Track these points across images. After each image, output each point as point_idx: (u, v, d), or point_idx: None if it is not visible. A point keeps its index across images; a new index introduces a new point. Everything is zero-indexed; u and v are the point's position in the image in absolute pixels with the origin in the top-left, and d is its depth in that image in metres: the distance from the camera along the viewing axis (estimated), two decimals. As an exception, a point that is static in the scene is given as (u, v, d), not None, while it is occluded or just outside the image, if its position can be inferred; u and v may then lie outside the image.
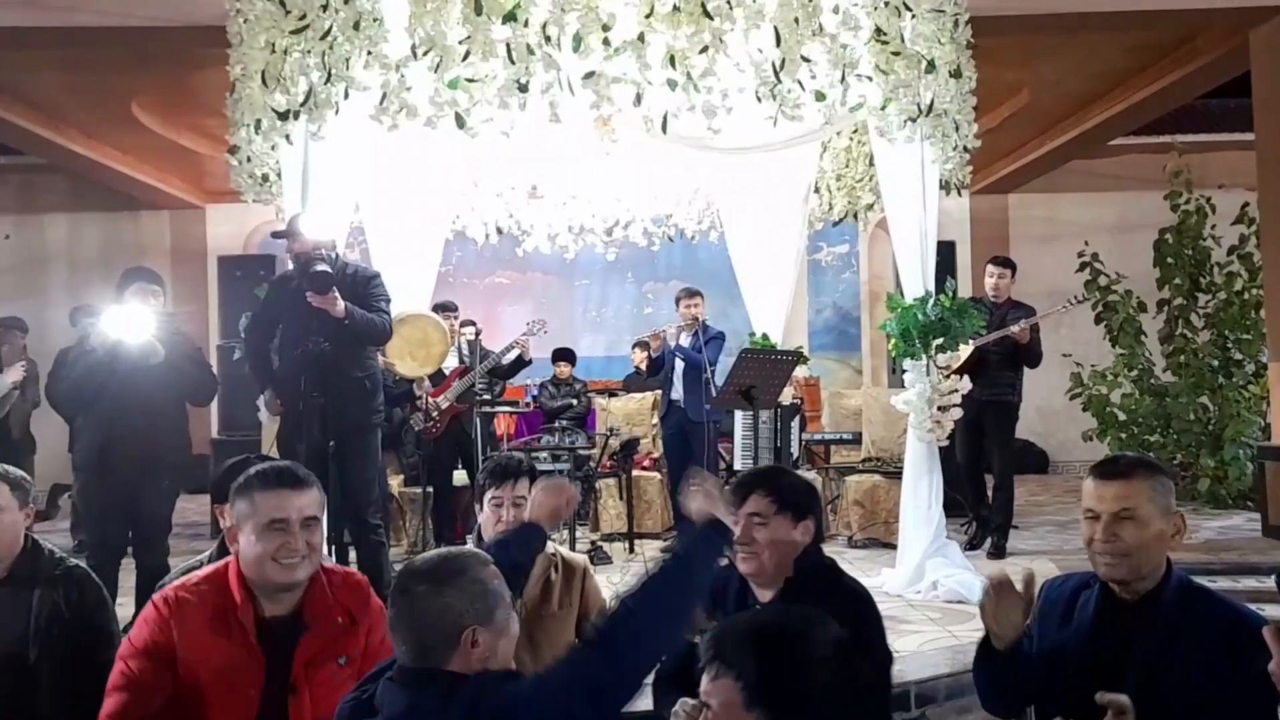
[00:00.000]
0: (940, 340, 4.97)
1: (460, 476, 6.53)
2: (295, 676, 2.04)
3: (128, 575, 4.20)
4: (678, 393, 6.42)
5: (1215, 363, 7.89)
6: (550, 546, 2.81)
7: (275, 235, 4.46)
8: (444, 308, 6.58)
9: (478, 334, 6.68)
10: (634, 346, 8.67)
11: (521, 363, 6.71)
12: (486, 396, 6.44)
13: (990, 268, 6.18)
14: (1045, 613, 2.15)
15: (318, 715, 2.02)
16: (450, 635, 1.68)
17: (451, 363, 6.43)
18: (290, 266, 4.51)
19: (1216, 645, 1.88)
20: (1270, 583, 5.09)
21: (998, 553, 5.80)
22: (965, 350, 5.93)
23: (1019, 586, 2.02)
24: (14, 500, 2.54)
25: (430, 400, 6.22)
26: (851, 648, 1.52)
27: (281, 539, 2.01)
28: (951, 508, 5.47)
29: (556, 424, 6.76)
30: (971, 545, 6.02)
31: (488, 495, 2.71)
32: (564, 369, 8.04)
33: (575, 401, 7.86)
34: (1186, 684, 1.88)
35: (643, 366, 8.34)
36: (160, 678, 2.00)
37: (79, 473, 4.34)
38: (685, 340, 6.37)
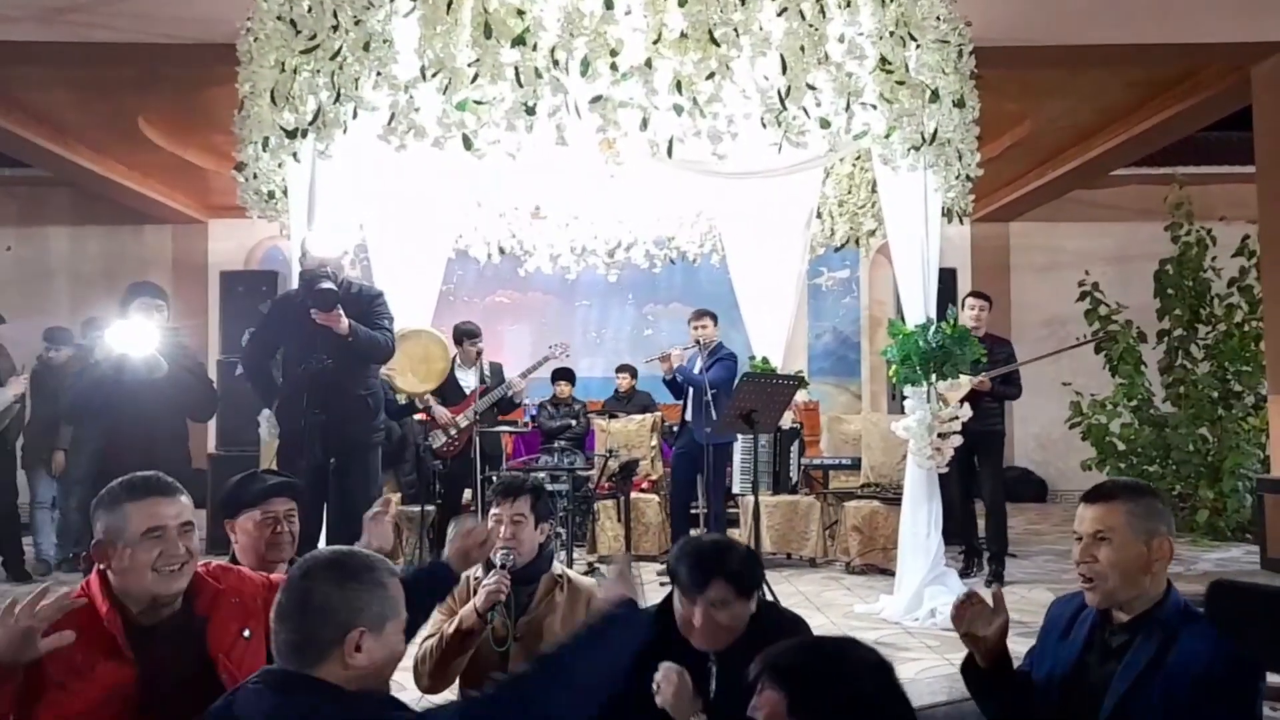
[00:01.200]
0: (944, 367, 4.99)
1: (467, 495, 6.54)
2: (218, 662, 2.03)
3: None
4: (690, 413, 6.43)
5: (1215, 394, 7.91)
6: (558, 567, 2.81)
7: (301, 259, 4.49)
8: (469, 333, 6.63)
9: (478, 354, 6.72)
10: (618, 370, 8.68)
11: (514, 403, 6.74)
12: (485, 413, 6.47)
13: (970, 300, 6.22)
14: (1048, 630, 2.18)
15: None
16: (337, 632, 1.61)
17: (472, 383, 6.45)
18: (296, 282, 4.53)
19: (1202, 677, 1.85)
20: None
21: (997, 579, 5.80)
22: (965, 383, 5.99)
23: (988, 601, 2.08)
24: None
25: (449, 418, 6.25)
26: (888, 672, 1.63)
27: (159, 547, 1.97)
28: (950, 535, 5.47)
29: (555, 444, 6.75)
30: (963, 574, 6.01)
31: (491, 511, 2.73)
32: (564, 388, 8.03)
33: (574, 422, 7.86)
34: (1165, 703, 1.87)
35: (623, 389, 8.36)
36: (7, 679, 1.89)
37: (78, 486, 4.34)
38: (696, 363, 6.38)
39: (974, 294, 6.30)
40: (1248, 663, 1.90)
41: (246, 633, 2.10)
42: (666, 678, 2.11)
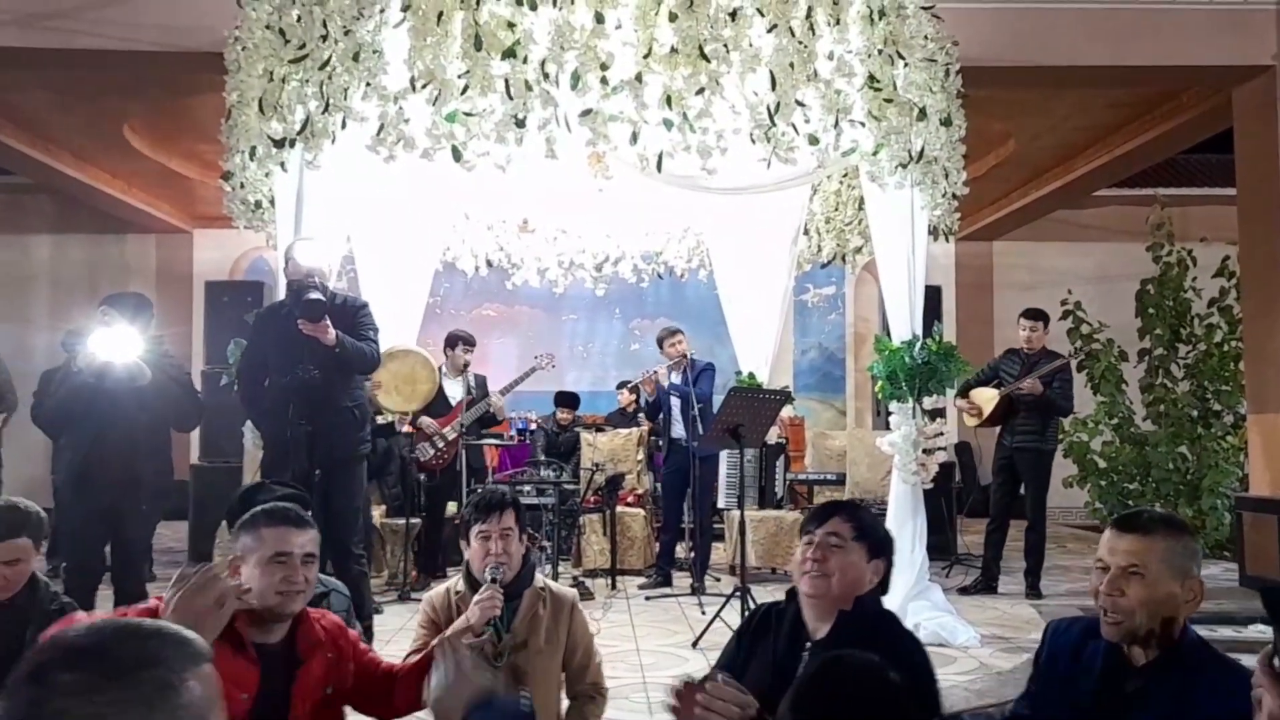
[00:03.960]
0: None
1: (451, 508, 6.50)
2: (295, 703, 2.18)
3: (104, 601, 4.13)
4: (678, 431, 6.41)
5: (1195, 413, 7.97)
6: (539, 580, 2.78)
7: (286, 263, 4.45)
8: (463, 340, 6.58)
9: (465, 365, 6.69)
10: (619, 388, 8.64)
11: (495, 420, 6.70)
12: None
13: (1022, 320, 6.34)
14: (1050, 659, 2.06)
15: None
16: None
17: (458, 394, 6.43)
18: (283, 293, 4.50)
19: (1226, 713, 1.72)
20: (1247, 633, 5.10)
21: (1034, 593, 5.97)
22: (990, 397, 6.07)
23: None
24: (33, 549, 2.72)
25: (438, 429, 6.21)
26: (909, 696, 1.53)
27: (284, 571, 2.16)
28: (934, 550, 5.50)
29: (541, 458, 6.72)
30: (965, 590, 6.05)
31: (474, 529, 2.68)
32: (565, 415, 7.95)
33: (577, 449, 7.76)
34: None
35: (629, 409, 8.27)
36: None
37: (59, 494, 4.28)
38: (676, 378, 6.38)
39: (1026, 313, 6.38)
40: None
41: (329, 689, 2.24)
42: (715, 689, 1.82)
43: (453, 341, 6.59)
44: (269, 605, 2.15)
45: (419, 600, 5.70)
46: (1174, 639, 1.87)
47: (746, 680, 2.10)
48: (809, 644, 2.16)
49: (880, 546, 2.22)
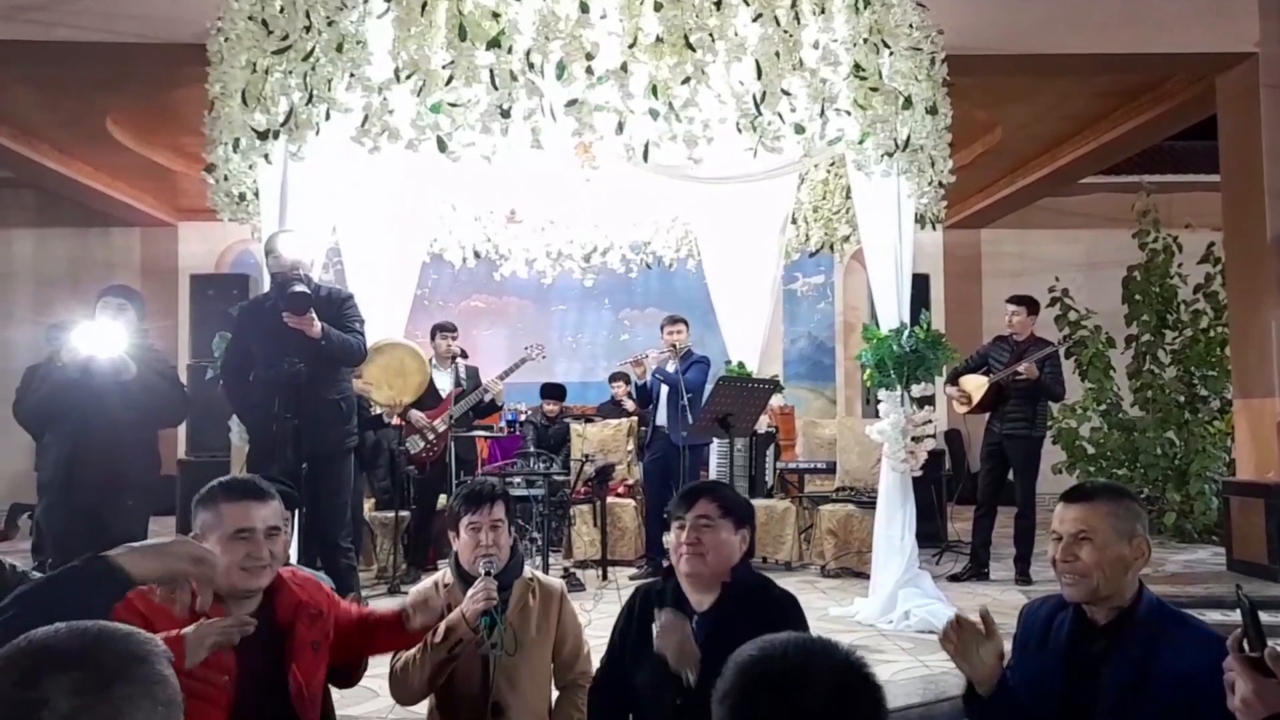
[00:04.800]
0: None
1: (442, 500, 6.49)
2: (293, 671, 2.15)
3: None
4: (662, 419, 6.42)
5: (1181, 398, 8.02)
6: (528, 570, 2.78)
7: (267, 254, 4.42)
8: (443, 328, 6.57)
9: (453, 356, 6.67)
10: (612, 380, 8.61)
11: (495, 406, 6.68)
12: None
13: (1008, 305, 6.37)
14: (1023, 637, 2.19)
15: (310, 692, 2.19)
16: None
17: (447, 386, 6.40)
18: (267, 286, 4.48)
19: (1189, 666, 1.88)
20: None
21: (1024, 579, 6.00)
22: (979, 384, 6.08)
23: (980, 626, 2.04)
24: None
25: (427, 423, 6.19)
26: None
27: (247, 548, 2.09)
28: (924, 538, 5.52)
29: (531, 450, 6.71)
30: (955, 577, 6.08)
31: (464, 521, 2.67)
32: (551, 407, 7.92)
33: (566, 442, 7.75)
34: (1158, 706, 1.90)
35: (624, 401, 8.22)
36: None
37: (44, 491, 4.25)
38: (670, 366, 6.37)
39: (1011, 299, 6.41)
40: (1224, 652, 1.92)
41: (315, 644, 2.22)
42: (668, 624, 2.22)
43: (433, 333, 6.62)
44: (233, 583, 2.08)
45: (408, 593, 5.72)
46: (1129, 602, 2.02)
47: (644, 658, 2.37)
48: (695, 615, 2.39)
49: (744, 517, 2.49)
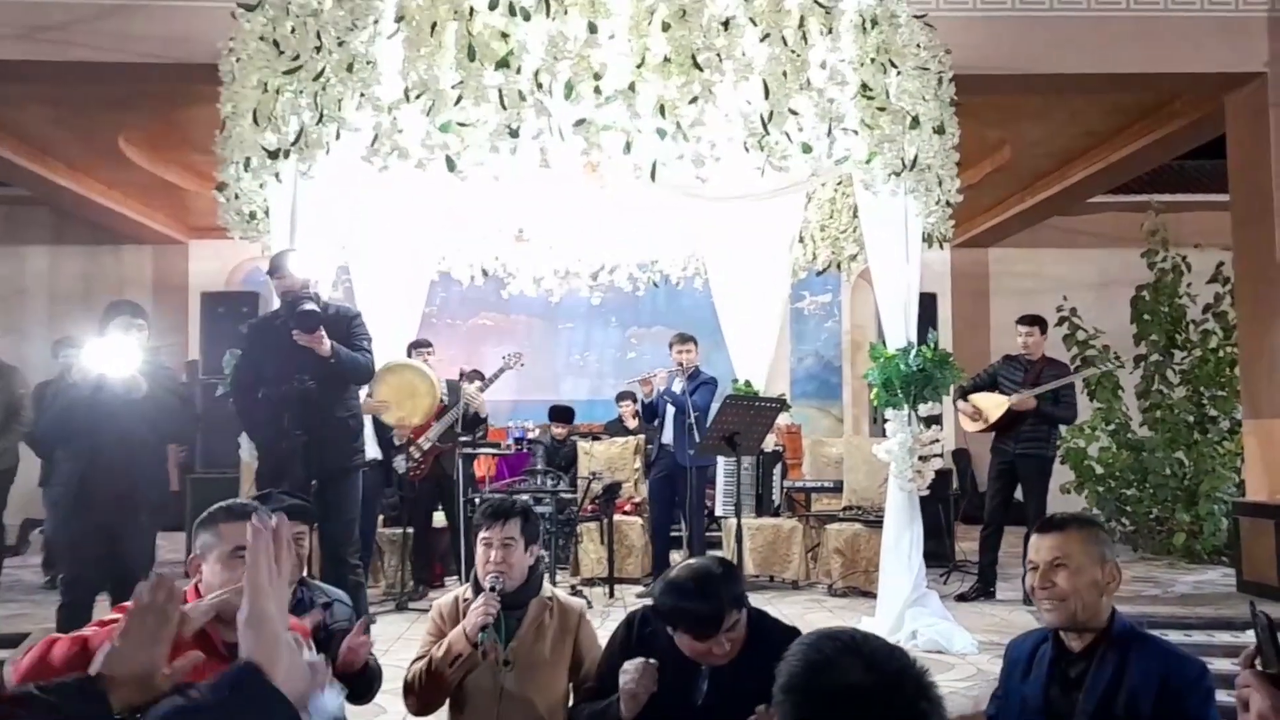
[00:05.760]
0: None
1: (439, 518, 6.47)
2: None
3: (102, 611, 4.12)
4: (668, 437, 6.41)
5: (1191, 419, 7.98)
6: (547, 589, 2.77)
7: (271, 273, 4.44)
8: (419, 345, 6.53)
9: (460, 376, 6.67)
10: (619, 399, 8.61)
11: (479, 419, 6.66)
12: (467, 438, 6.40)
13: (1019, 326, 6.35)
14: (1009, 670, 2.29)
15: None
16: None
17: None
18: (276, 303, 4.50)
19: (1159, 688, 2.02)
20: (1245, 637, 5.10)
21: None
22: (997, 404, 6.05)
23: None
24: None
25: (413, 442, 6.18)
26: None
27: (244, 566, 2.06)
28: (931, 557, 5.49)
29: (540, 467, 6.70)
30: (963, 597, 6.04)
31: (480, 535, 2.70)
32: (560, 430, 7.90)
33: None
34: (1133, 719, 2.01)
35: (629, 421, 8.22)
36: None
37: (55, 508, 4.26)
38: (677, 385, 6.37)
39: (1022, 319, 6.38)
40: (1195, 664, 2.07)
41: None
42: (638, 668, 2.24)
43: (409, 350, 6.45)
44: (232, 603, 2.05)
45: (416, 610, 5.72)
46: (1103, 625, 2.13)
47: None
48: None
49: (721, 617, 2.23)
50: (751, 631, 2.30)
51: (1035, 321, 6.31)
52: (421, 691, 2.61)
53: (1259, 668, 1.47)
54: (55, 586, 6.01)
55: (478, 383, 6.64)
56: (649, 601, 2.46)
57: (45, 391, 4.36)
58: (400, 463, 6.15)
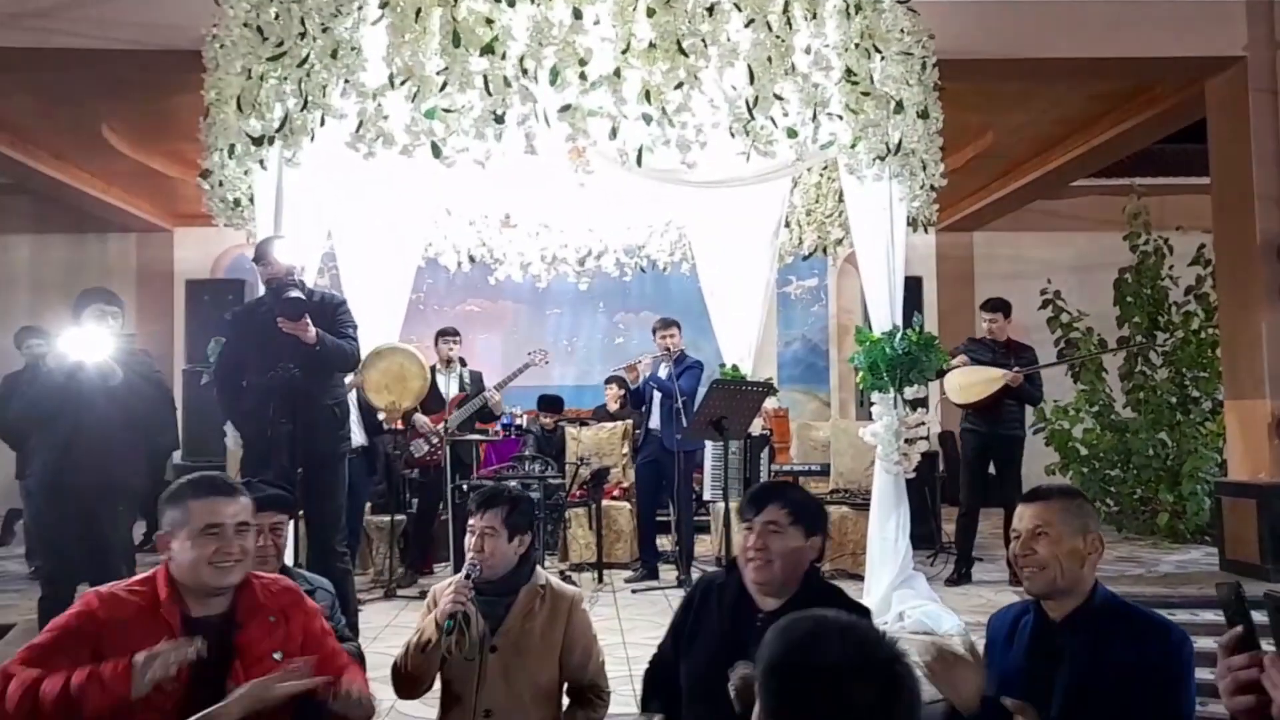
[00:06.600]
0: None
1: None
2: (235, 669, 2.11)
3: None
4: (655, 422, 6.44)
5: (1173, 400, 8.06)
6: (542, 576, 2.77)
7: (256, 260, 4.44)
8: (446, 333, 6.66)
9: (437, 339, 6.75)
10: (607, 382, 8.61)
11: (492, 414, 6.71)
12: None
13: (982, 313, 6.43)
14: (992, 642, 2.31)
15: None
16: None
17: (451, 390, 6.44)
18: (261, 291, 4.49)
19: (1137, 657, 2.04)
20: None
21: (1019, 580, 5.93)
22: (993, 378, 6.06)
23: (966, 655, 2.14)
24: None
25: (433, 427, 6.22)
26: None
27: (216, 544, 2.09)
28: (918, 539, 5.54)
29: (529, 454, 6.74)
30: (951, 581, 6.08)
31: (469, 522, 2.72)
32: (548, 420, 7.91)
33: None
34: (1112, 696, 2.02)
35: (614, 405, 8.24)
36: (76, 655, 2.02)
37: (31, 498, 4.25)
38: (662, 370, 6.40)
39: (984, 305, 6.45)
40: (1174, 639, 2.08)
41: (277, 655, 2.16)
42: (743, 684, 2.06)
43: (436, 338, 6.78)
44: (202, 580, 2.09)
45: (404, 598, 5.74)
46: (1085, 597, 2.15)
47: (696, 649, 2.34)
48: (760, 615, 2.32)
49: (814, 523, 2.39)
50: (811, 587, 2.35)
51: (999, 307, 6.37)
52: (403, 677, 2.64)
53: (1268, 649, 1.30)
54: (39, 577, 6.02)
55: (497, 382, 6.73)
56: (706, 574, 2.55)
57: (17, 381, 4.32)
58: (420, 445, 6.19)
